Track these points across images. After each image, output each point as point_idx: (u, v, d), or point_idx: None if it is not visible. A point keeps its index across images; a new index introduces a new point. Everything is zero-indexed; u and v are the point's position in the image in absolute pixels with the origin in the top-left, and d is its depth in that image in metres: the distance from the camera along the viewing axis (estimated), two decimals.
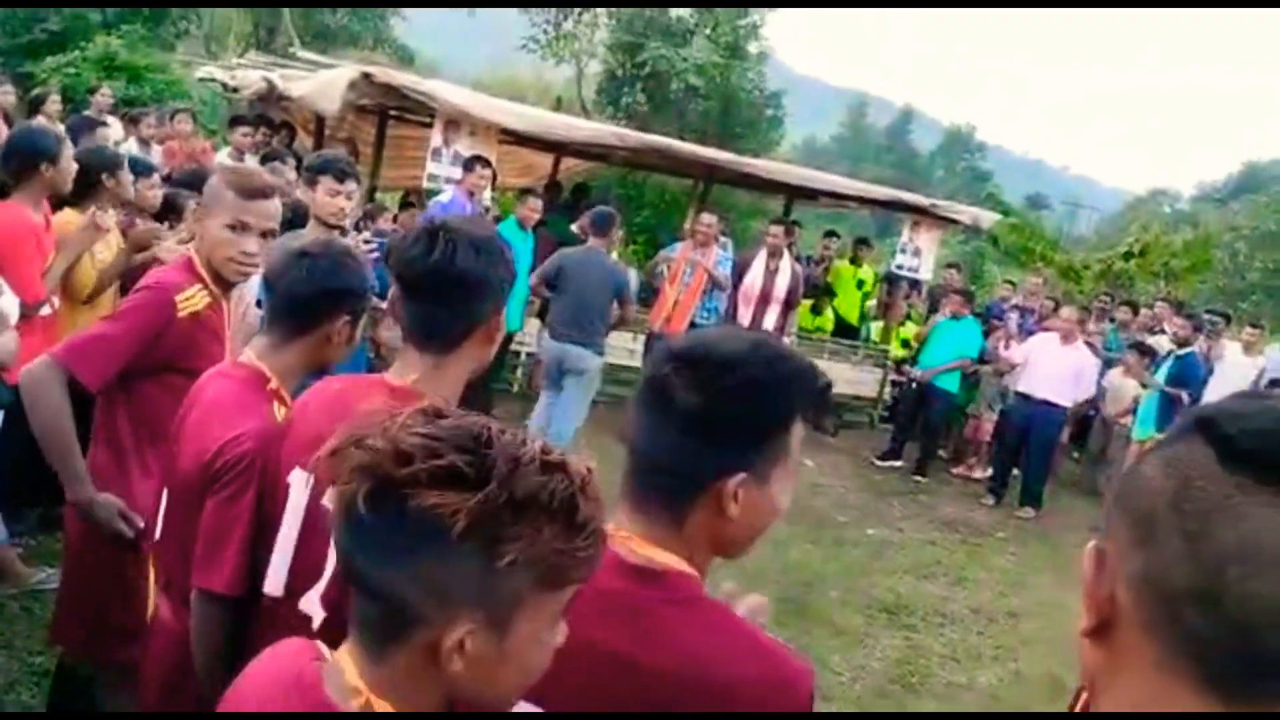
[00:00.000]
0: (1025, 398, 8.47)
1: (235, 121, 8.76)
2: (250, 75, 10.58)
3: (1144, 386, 8.30)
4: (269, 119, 9.27)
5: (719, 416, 1.21)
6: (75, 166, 3.90)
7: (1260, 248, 38.21)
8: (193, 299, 2.48)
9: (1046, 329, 9.52)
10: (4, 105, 7.93)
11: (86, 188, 4.05)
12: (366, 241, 3.84)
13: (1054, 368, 8.32)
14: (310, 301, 2.04)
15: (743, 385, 1.22)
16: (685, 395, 1.21)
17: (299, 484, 1.69)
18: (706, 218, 8.44)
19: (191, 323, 2.48)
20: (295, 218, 3.66)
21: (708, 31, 20.97)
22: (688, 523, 1.25)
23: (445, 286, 1.67)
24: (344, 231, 4.02)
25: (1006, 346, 9.28)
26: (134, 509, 2.39)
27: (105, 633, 2.50)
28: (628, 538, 1.25)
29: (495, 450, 0.95)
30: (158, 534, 2.11)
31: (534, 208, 7.54)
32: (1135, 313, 10.58)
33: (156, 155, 8.03)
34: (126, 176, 4.22)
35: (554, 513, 0.95)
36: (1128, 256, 17.87)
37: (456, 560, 0.93)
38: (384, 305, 6.01)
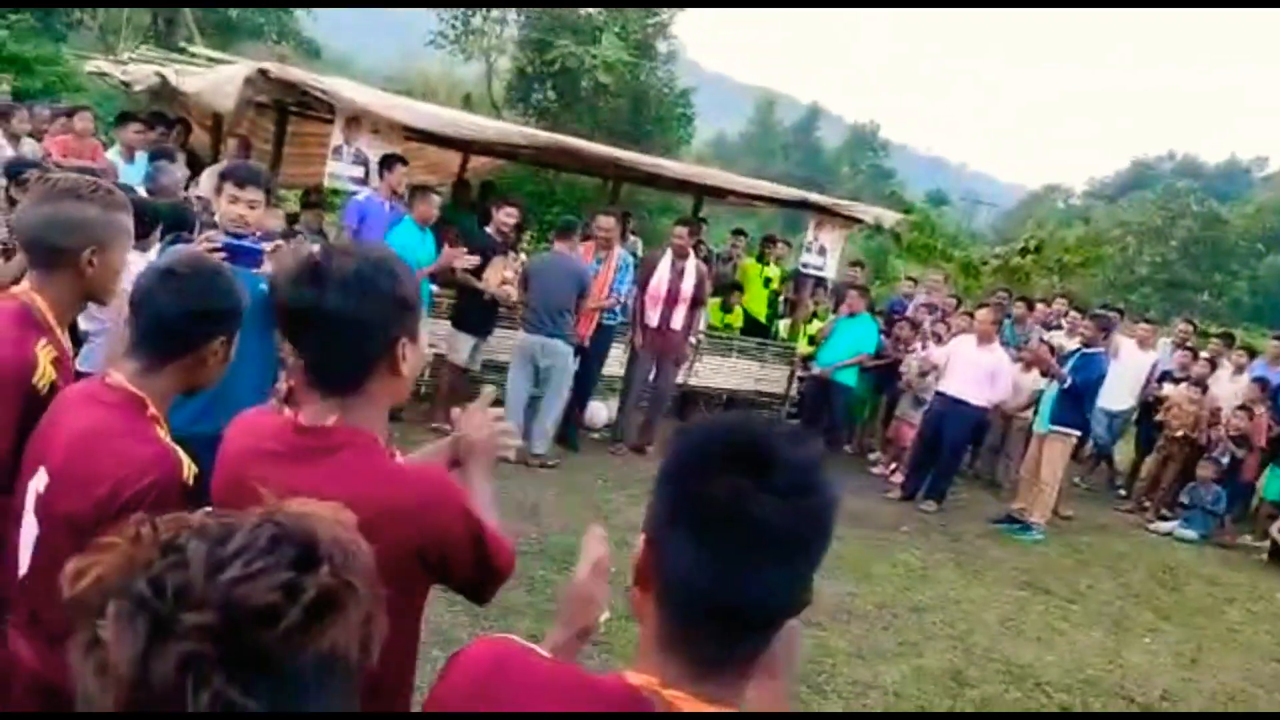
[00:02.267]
0: (942, 396, 8.65)
1: (125, 118, 8.44)
2: (143, 70, 10.22)
3: (1050, 378, 8.52)
4: (164, 116, 8.95)
5: (823, 525, 1.07)
6: None
7: (1148, 242, 39.83)
8: (45, 369, 2.21)
9: (948, 325, 9.75)
10: None
11: None
12: (209, 240, 3.59)
13: (970, 369, 8.50)
14: (182, 324, 1.93)
15: (831, 485, 1.07)
16: (787, 511, 1.02)
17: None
18: (604, 220, 8.39)
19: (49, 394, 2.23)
20: (179, 218, 3.51)
21: (617, 29, 20.98)
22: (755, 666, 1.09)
23: (327, 330, 1.57)
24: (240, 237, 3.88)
25: (924, 347, 9.48)
26: None
27: None
28: (681, 698, 1.05)
29: (323, 542, 0.78)
30: (24, 569, 1.97)
31: (431, 204, 7.72)
32: (1030, 308, 10.88)
33: (30, 150, 7.68)
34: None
35: (374, 579, 0.82)
36: (1024, 253, 18.44)
37: (343, 688, 0.79)
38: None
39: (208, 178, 7.13)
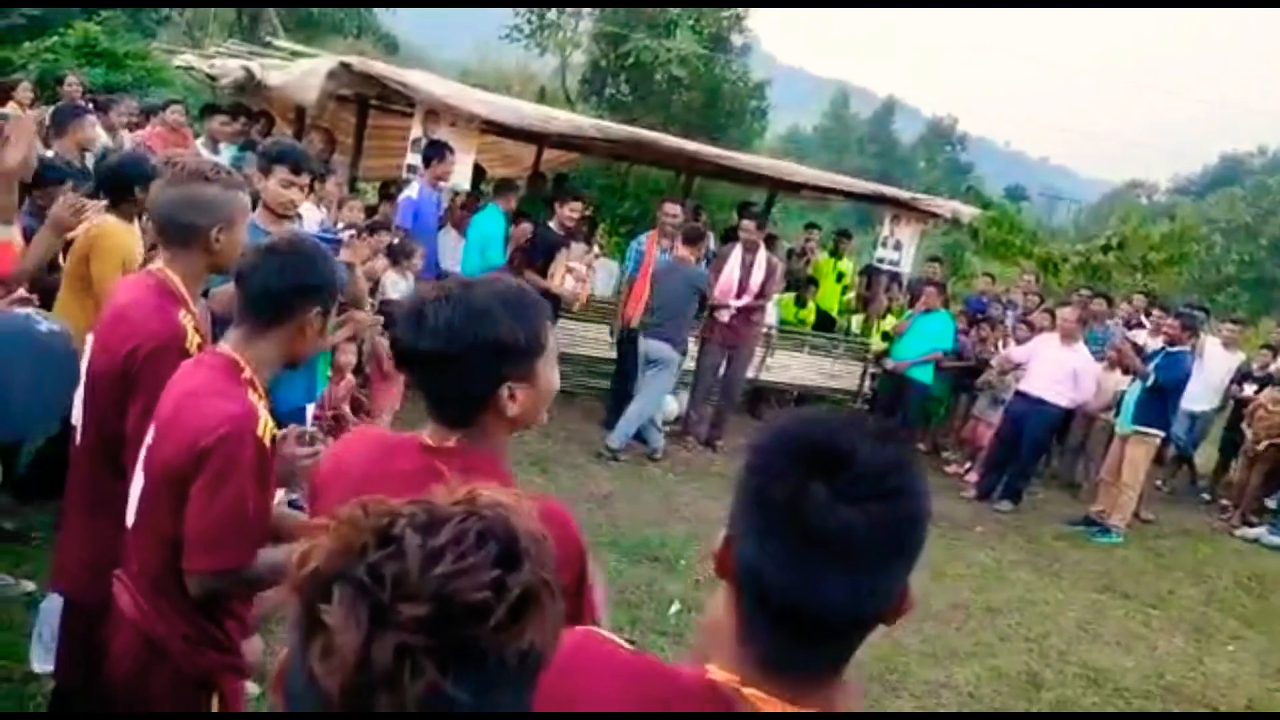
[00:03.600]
0: (1023, 396, 8.49)
1: (210, 110, 8.66)
2: (229, 64, 10.46)
3: (1132, 376, 8.32)
4: (247, 108, 9.17)
5: (897, 531, 1.03)
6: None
7: (1236, 240, 38.52)
8: (192, 335, 2.44)
9: (1030, 324, 9.56)
10: None
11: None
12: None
13: (1053, 368, 8.34)
14: (282, 296, 2.10)
15: (913, 487, 1.04)
16: (854, 517, 0.99)
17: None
18: (670, 208, 8.42)
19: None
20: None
21: (691, 22, 20.90)
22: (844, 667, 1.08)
23: (440, 366, 1.70)
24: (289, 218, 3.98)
25: (1005, 345, 9.33)
26: None
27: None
28: (759, 697, 1.05)
29: (523, 538, 0.82)
30: (130, 520, 2.13)
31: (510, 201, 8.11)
32: (1109, 305, 10.61)
33: (127, 143, 7.93)
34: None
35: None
36: (1106, 249, 17.92)
37: (522, 688, 0.82)
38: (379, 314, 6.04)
39: None
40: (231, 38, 18.37)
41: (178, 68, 13.52)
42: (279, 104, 10.11)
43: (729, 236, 9.84)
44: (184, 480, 1.94)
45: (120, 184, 3.85)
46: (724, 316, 8.32)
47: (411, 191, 7.62)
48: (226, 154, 8.13)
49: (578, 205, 8.43)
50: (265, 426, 1.99)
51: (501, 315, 1.59)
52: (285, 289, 2.09)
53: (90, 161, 5.88)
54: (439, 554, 0.77)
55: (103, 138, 7.71)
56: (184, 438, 1.95)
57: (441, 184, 7.72)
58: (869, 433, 1.04)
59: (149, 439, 2.08)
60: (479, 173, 9.35)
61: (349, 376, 6.21)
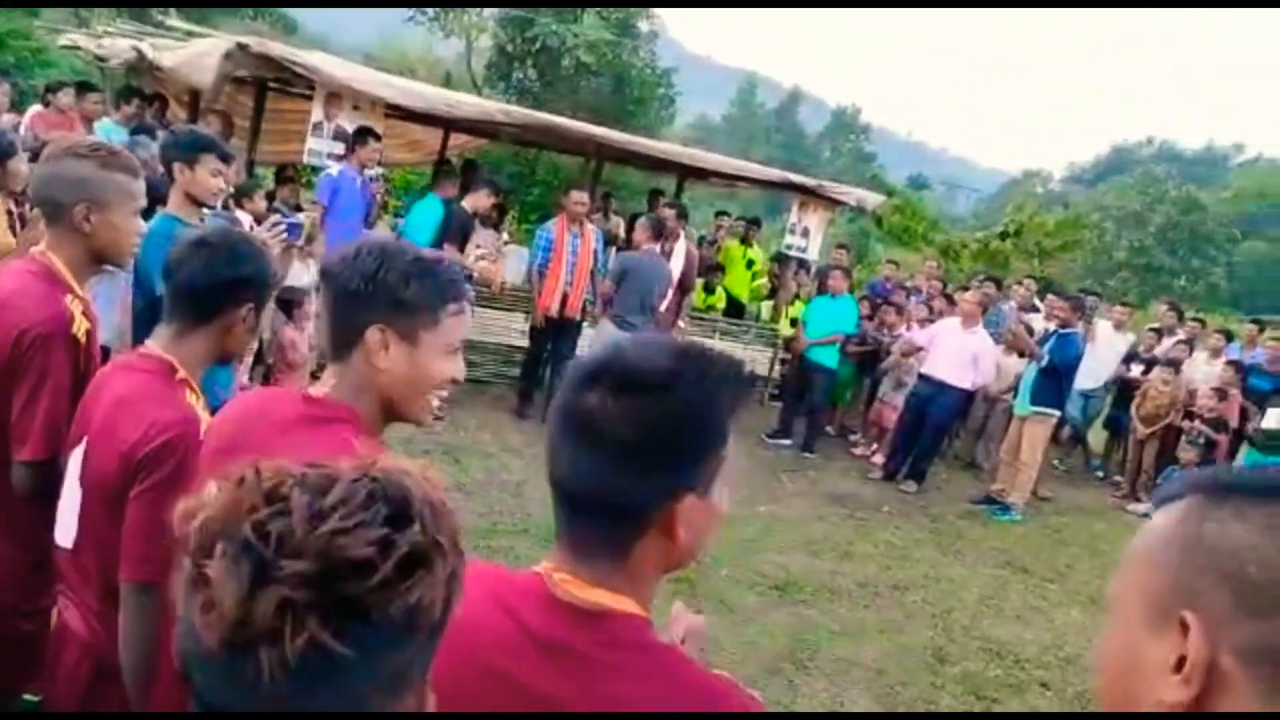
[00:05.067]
0: (925, 379, 8.68)
1: (83, 89, 8.27)
2: (119, 44, 10.05)
3: (1028, 358, 8.58)
4: (140, 91, 8.81)
5: (660, 444, 1.13)
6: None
7: (1126, 227, 40.06)
8: (79, 320, 2.32)
9: (931, 309, 9.79)
10: None
11: None
12: (276, 225, 3.72)
13: (954, 352, 8.53)
14: (211, 291, 2.02)
15: (681, 407, 1.13)
16: (619, 426, 1.11)
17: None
18: (576, 194, 8.32)
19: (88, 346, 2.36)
20: (154, 195, 3.49)
21: (598, 8, 20.81)
22: (634, 554, 1.17)
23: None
24: (212, 209, 3.86)
25: (909, 329, 9.52)
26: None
27: (9, 667, 2.33)
28: (566, 579, 1.17)
29: (415, 500, 0.82)
30: (70, 539, 2.01)
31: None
32: (999, 287, 10.90)
33: (15, 125, 7.58)
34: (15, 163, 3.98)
35: (459, 538, 0.86)
36: (1003, 236, 18.51)
37: (424, 642, 0.83)
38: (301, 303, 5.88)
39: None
40: (120, 16, 17.65)
41: (63, 48, 12.96)
42: (173, 86, 9.76)
43: (635, 221, 9.85)
44: (122, 491, 1.86)
45: None
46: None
47: (332, 170, 7.50)
48: (105, 133, 7.82)
49: (492, 197, 8.40)
50: (206, 431, 1.90)
51: (403, 268, 1.64)
52: (217, 284, 2.01)
53: None
54: (326, 513, 0.77)
55: None
56: (120, 447, 1.86)
57: (367, 170, 7.62)
58: (651, 344, 1.19)
59: (80, 451, 1.97)
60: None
61: (245, 363, 6.04)
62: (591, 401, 1.12)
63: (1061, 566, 7.39)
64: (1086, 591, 6.91)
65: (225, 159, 3.71)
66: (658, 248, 7.97)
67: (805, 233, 10.58)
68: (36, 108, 8.36)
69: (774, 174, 11.00)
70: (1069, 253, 19.83)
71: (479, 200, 8.13)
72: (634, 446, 1.11)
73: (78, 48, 11.67)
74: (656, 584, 1.23)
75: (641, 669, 1.14)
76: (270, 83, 9.14)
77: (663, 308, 8.43)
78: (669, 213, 8.70)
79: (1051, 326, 8.89)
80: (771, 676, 4.66)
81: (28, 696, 2.39)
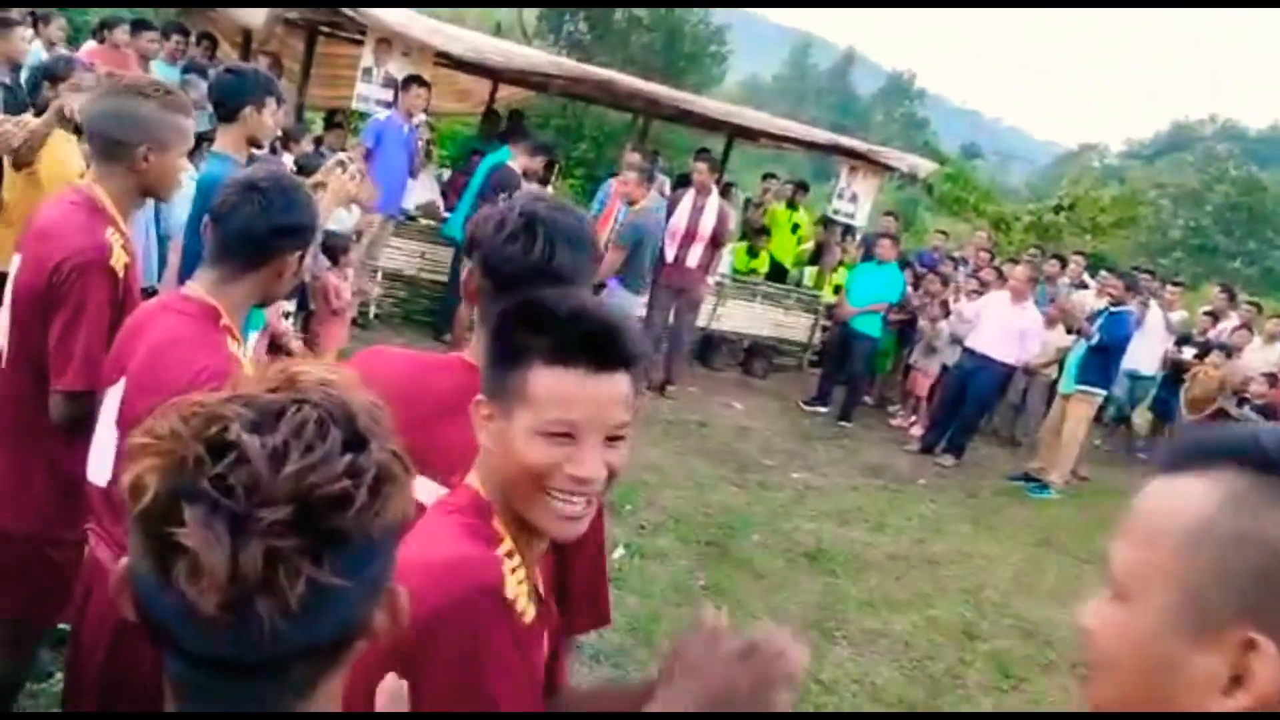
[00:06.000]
0: (970, 352, 8.55)
1: (139, 26, 8.26)
2: None
3: (1076, 335, 8.42)
4: (183, 27, 8.76)
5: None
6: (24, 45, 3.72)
7: (1183, 206, 39.14)
8: (119, 253, 2.32)
9: (981, 281, 9.63)
10: None
11: None
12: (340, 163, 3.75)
13: (1001, 326, 8.38)
14: (263, 237, 2.01)
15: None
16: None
17: None
18: (633, 159, 8.26)
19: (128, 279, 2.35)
20: (199, 137, 3.48)
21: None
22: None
23: (542, 284, 1.56)
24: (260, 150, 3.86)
25: (956, 301, 9.38)
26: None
27: (40, 596, 2.38)
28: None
29: (360, 416, 0.81)
30: (104, 478, 2.01)
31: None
32: (1063, 266, 10.72)
33: (67, 59, 7.59)
34: (67, 88, 3.99)
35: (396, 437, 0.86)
36: (1057, 210, 18.14)
37: (390, 550, 0.84)
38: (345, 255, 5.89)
39: None
40: None
41: None
42: (224, 26, 9.77)
43: (683, 182, 9.74)
44: None
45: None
46: (669, 257, 8.27)
47: (379, 114, 7.53)
48: (160, 73, 7.83)
49: (536, 157, 8.33)
50: None
51: (593, 240, 1.69)
52: (267, 230, 2.00)
53: (23, 76, 5.62)
54: (284, 452, 0.75)
55: (40, 53, 7.39)
56: (164, 392, 1.82)
57: (414, 117, 7.61)
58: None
59: (119, 390, 1.96)
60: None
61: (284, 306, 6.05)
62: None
63: (1098, 547, 7.28)
64: None
65: (280, 103, 3.71)
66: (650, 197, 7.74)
67: (854, 198, 10.43)
68: (91, 44, 8.37)
69: (824, 136, 10.82)
70: (1124, 229, 19.41)
71: (532, 163, 8.09)
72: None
73: None
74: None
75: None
76: (322, 26, 9.10)
77: (693, 263, 8.34)
78: (701, 165, 8.56)
79: (1102, 303, 8.72)
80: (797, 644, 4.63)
81: (62, 626, 2.42)
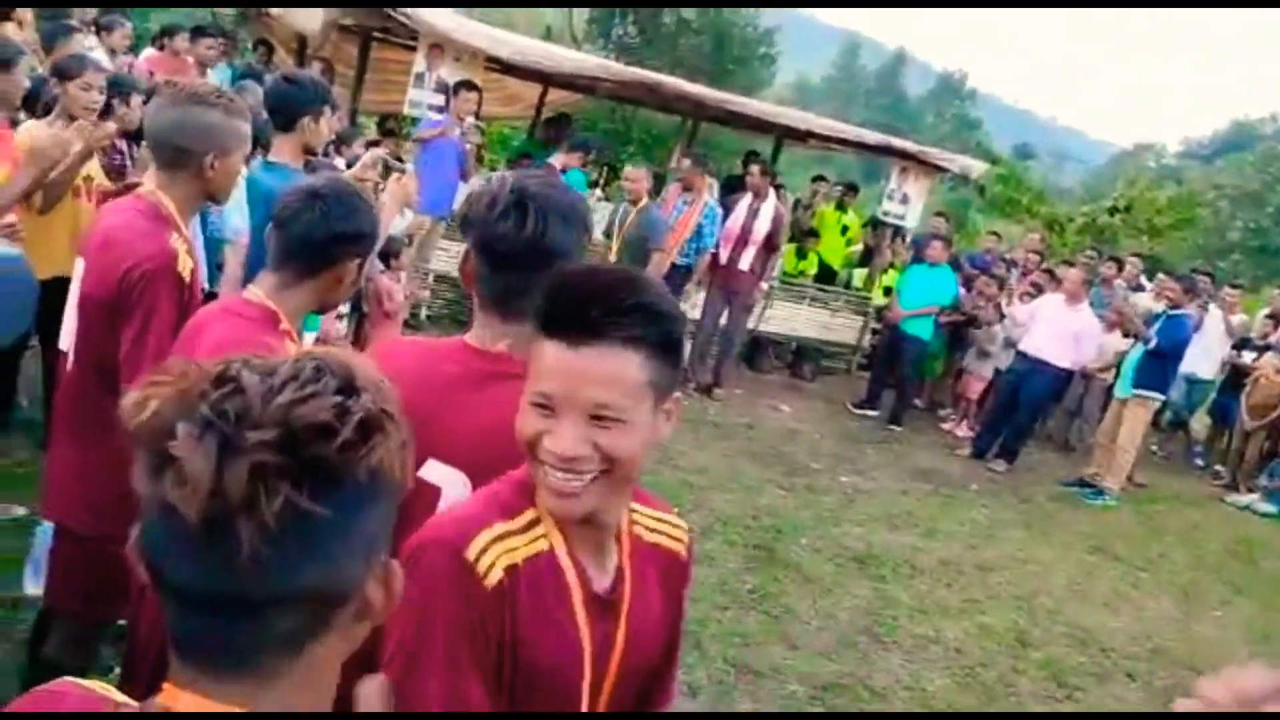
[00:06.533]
0: (1023, 355, 8.43)
1: (198, 33, 8.42)
2: None
3: (1133, 339, 8.27)
4: (221, 29, 8.90)
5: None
6: (26, 80, 3.77)
7: (1242, 207, 38.23)
8: (184, 258, 2.38)
9: (1033, 284, 9.50)
10: None
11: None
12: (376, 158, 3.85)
13: (1055, 329, 8.26)
14: (324, 244, 2.04)
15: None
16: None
17: None
18: (689, 165, 8.34)
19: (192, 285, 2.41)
20: (256, 140, 3.52)
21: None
22: None
23: (535, 260, 1.60)
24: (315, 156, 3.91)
25: (1009, 304, 9.27)
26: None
27: (102, 594, 2.44)
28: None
29: (359, 375, 0.85)
30: None
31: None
32: (1119, 269, 10.55)
33: (128, 66, 7.77)
34: (77, 86, 4.04)
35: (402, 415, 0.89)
36: (1113, 211, 17.83)
37: (386, 505, 0.86)
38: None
39: None
40: None
41: None
42: (280, 32, 9.93)
43: (732, 185, 9.74)
44: None
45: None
46: (722, 259, 8.30)
47: (431, 118, 7.70)
48: (215, 77, 7.99)
49: (582, 158, 8.54)
50: None
51: (584, 214, 1.70)
52: (328, 237, 2.03)
53: None
54: (279, 387, 0.80)
55: (104, 60, 7.56)
56: None
57: (464, 121, 7.72)
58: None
59: None
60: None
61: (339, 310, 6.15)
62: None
63: (1154, 555, 7.16)
64: (1179, 582, 6.69)
65: (334, 109, 3.80)
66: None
67: (904, 199, 10.34)
68: (150, 51, 8.55)
69: (874, 138, 10.74)
70: (1181, 231, 19.02)
71: (569, 159, 8.22)
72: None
73: None
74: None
75: None
76: (375, 32, 9.23)
77: (745, 266, 8.34)
78: (754, 169, 8.57)
79: (1160, 306, 8.56)
80: (846, 649, 4.61)
81: (120, 623, 2.48)
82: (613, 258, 6.79)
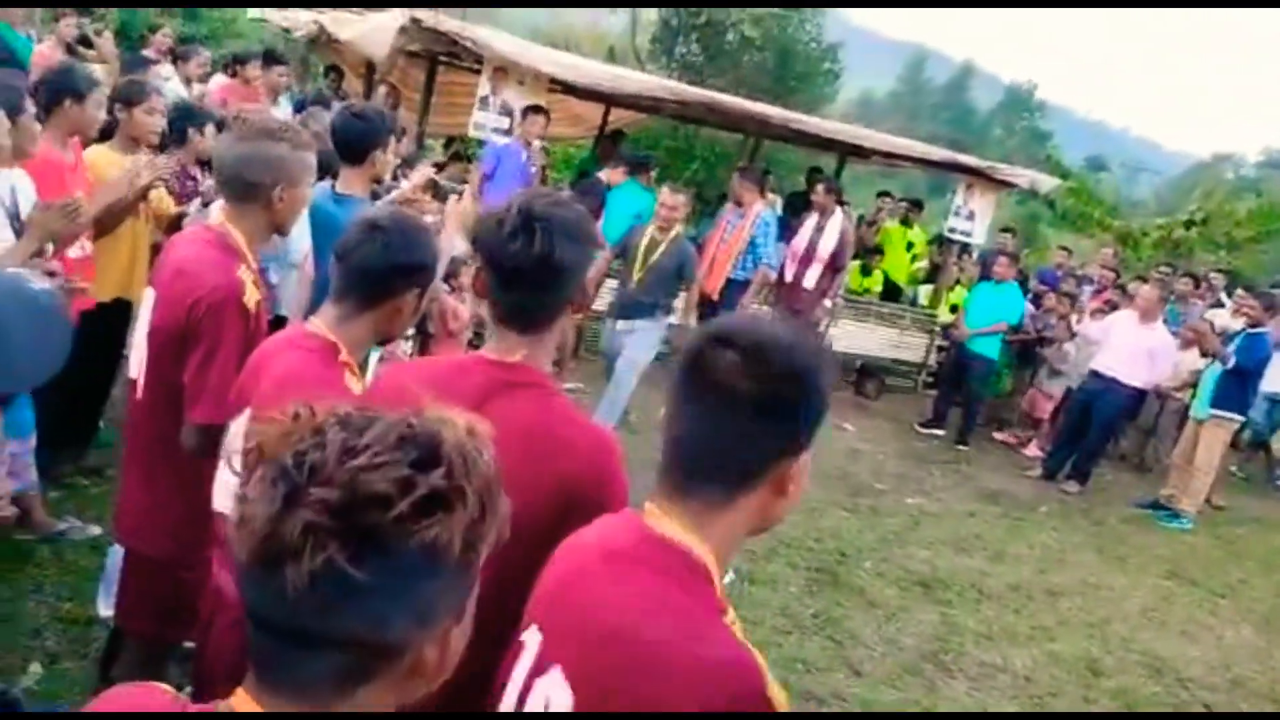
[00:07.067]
0: (1096, 374, 8.25)
1: (270, 60, 8.62)
2: (301, 16, 10.52)
3: (1212, 359, 8.04)
4: (279, 57, 9.07)
5: (787, 402, 1.24)
6: (103, 110, 3.90)
7: None
8: (250, 289, 2.44)
9: (1107, 301, 9.30)
10: (69, 38, 7.95)
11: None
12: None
13: (1129, 347, 8.08)
14: (383, 275, 2.07)
15: (804, 369, 1.25)
16: (752, 385, 1.22)
17: None
18: (739, 180, 8.42)
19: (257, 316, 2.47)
20: (324, 167, 3.58)
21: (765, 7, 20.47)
22: (739, 505, 1.27)
23: (545, 277, 1.68)
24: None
25: (1080, 321, 9.10)
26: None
27: (171, 616, 2.50)
28: (654, 511, 1.30)
29: (445, 448, 0.88)
30: (229, 505, 2.09)
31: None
32: (1196, 285, 10.27)
33: (200, 95, 8.00)
34: (141, 111, 4.17)
35: (495, 488, 0.92)
36: (1189, 225, 17.30)
37: (446, 579, 0.89)
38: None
39: None
40: None
41: (251, 19, 13.63)
42: (349, 58, 10.15)
43: (795, 203, 9.70)
44: None
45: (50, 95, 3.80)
46: (787, 277, 8.33)
47: (497, 141, 7.85)
48: (284, 103, 8.24)
49: (626, 172, 8.66)
50: None
51: (592, 231, 1.75)
52: (387, 269, 2.06)
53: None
54: (358, 450, 0.85)
55: (180, 90, 7.79)
56: None
57: (533, 144, 7.85)
58: (778, 324, 1.30)
59: (243, 424, 2.06)
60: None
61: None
62: (724, 362, 1.23)
63: (1234, 581, 6.93)
64: (1261, 609, 6.47)
65: (400, 137, 3.87)
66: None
67: (971, 216, 10.18)
68: (221, 78, 8.80)
69: (940, 154, 10.60)
70: (1261, 244, 18.41)
71: (614, 175, 8.40)
72: (766, 404, 1.22)
73: (265, 20, 12.26)
74: (740, 545, 1.33)
75: (683, 608, 1.20)
76: (441, 57, 9.37)
77: (810, 284, 8.31)
78: (820, 188, 8.57)
79: (1239, 324, 8.31)
80: (911, 676, 4.54)
81: (187, 644, 2.54)
82: (632, 285, 6.42)
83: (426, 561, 0.86)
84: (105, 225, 3.90)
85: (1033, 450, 9.02)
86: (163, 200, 4.37)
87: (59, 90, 3.75)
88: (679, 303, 6.81)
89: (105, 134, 4.28)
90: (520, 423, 1.50)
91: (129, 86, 4.30)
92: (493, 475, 0.91)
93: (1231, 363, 7.76)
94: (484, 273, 1.71)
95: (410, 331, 6.23)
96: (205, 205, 4.23)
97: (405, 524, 0.84)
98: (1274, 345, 8.14)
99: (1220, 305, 10.04)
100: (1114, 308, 9.04)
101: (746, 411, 1.23)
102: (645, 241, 6.44)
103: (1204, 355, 8.27)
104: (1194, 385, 8.44)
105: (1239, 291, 9.54)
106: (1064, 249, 12.86)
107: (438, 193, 5.14)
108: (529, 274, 1.66)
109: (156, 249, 3.97)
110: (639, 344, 6.44)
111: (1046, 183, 11.05)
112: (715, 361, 1.24)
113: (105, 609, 3.12)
